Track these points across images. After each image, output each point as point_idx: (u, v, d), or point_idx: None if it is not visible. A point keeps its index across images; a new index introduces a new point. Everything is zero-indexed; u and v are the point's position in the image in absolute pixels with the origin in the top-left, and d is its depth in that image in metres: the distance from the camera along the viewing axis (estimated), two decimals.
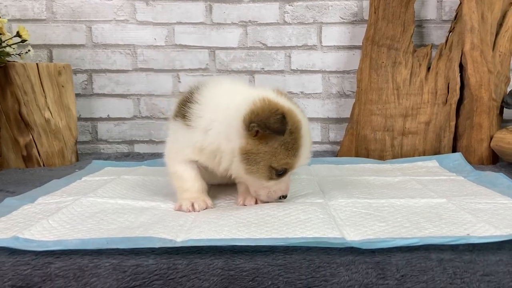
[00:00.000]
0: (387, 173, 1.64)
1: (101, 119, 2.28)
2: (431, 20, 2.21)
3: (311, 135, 1.17)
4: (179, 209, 1.19)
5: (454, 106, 1.88)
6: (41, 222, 1.05)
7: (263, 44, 2.25)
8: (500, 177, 1.44)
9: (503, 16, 1.96)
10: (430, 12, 2.20)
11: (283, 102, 1.15)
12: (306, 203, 1.21)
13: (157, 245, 0.90)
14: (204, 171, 1.26)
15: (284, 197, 1.20)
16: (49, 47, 2.23)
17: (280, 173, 1.13)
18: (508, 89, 1.94)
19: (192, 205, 1.18)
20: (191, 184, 1.24)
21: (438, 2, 2.20)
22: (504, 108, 1.89)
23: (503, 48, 1.93)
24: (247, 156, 1.10)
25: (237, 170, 1.14)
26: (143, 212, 1.15)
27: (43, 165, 1.91)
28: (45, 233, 0.98)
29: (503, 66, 1.93)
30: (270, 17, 2.24)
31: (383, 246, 0.89)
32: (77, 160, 2.04)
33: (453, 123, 1.88)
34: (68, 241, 0.92)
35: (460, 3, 2.01)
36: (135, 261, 0.89)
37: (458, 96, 1.86)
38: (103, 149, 2.29)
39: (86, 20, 2.24)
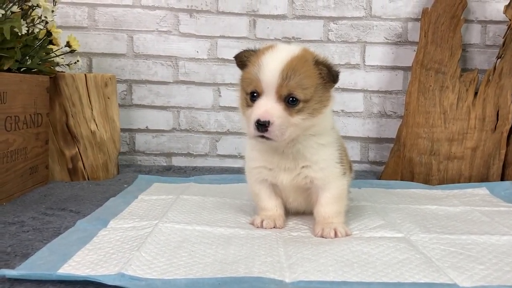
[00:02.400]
0: (444, 201, 1.64)
1: (139, 130, 2.25)
2: (475, 45, 2.21)
3: (284, 57, 1.16)
4: (252, 223, 1.31)
5: (505, 135, 1.88)
6: (134, 255, 1.02)
7: None
8: None
9: None
10: (474, 36, 2.21)
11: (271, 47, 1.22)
12: (388, 238, 1.20)
13: (272, 287, 0.88)
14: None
15: (261, 124, 1.12)
16: (89, 55, 2.19)
17: (253, 98, 1.17)
18: None
19: (261, 222, 1.29)
20: (265, 203, 1.33)
21: (482, 27, 2.21)
22: None
23: None
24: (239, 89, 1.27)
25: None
26: (229, 243, 1.14)
27: (88, 179, 1.87)
28: (146, 269, 0.96)
29: None
30: (314, 34, 2.23)
31: None
32: (118, 172, 2.01)
33: (503, 151, 1.89)
34: (177, 281, 0.90)
35: (509, 29, 2.01)
36: None
37: (510, 125, 1.87)
38: (140, 160, 2.26)
39: (128, 30, 2.20)
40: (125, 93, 2.22)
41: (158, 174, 2.01)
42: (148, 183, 1.80)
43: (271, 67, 1.14)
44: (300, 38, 2.22)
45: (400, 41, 2.23)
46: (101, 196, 1.60)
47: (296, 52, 1.19)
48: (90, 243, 1.11)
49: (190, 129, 2.26)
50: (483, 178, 1.93)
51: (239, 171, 2.15)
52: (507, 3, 2.00)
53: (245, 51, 1.26)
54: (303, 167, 1.25)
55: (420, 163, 2.00)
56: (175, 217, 1.33)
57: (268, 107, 1.14)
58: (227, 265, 0.99)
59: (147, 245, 1.09)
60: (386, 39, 2.23)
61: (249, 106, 1.19)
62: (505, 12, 1.95)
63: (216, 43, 2.22)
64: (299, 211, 1.39)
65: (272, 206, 1.32)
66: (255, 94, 1.17)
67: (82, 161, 1.86)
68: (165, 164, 2.26)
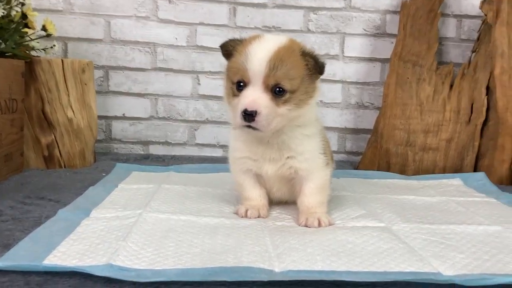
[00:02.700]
0: (420, 192, 1.68)
1: (116, 117, 2.21)
2: (450, 39, 2.26)
3: (271, 48, 1.15)
4: (236, 213, 1.31)
5: (479, 127, 1.94)
6: (121, 245, 1.00)
7: None
8: None
9: None
10: (450, 30, 2.25)
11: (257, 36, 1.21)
12: (371, 228, 1.22)
13: (262, 277, 0.89)
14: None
15: (248, 114, 1.11)
16: (64, 40, 2.13)
17: (239, 87, 1.16)
18: None
19: (246, 212, 1.29)
20: (249, 193, 1.33)
21: (457, 21, 2.25)
22: None
23: None
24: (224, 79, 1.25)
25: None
26: (215, 232, 1.14)
27: (64, 166, 1.83)
28: (134, 259, 0.95)
29: None
30: (294, 24, 2.23)
31: (483, 283, 0.91)
32: (95, 160, 1.97)
33: (477, 143, 1.94)
34: (168, 271, 0.89)
35: (484, 24, 2.06)
36: None
37: (484, 118, 1.93)
38: (117, 148, 2.22)
39: (105, 14, 2.15)
40: (101, 79, 2.17)
41: (136, 163, 1.99)
42: (127, 172, 1.77)
43: (258, 57, 1.14)
44: (280, 28, 2.22)
45: (379, 33, 2.25)
46: (80, 185, 1.57)
47: (283, 43, 1.19)
48: (74, 233, 1.09)
49: (168, 117, 2.23)
50: (457, 169, 1.99)
51: (218, 160, 2.16)
52: None
53: (231, 40, 1.25)
54: (288, 157, 1.26)
55: (396, 154, 2.04)
56: (158, 206, 1.32)
57: (255, 96, 1.13)
58: (216, 255, 0.99)
59: (133, 235, 1.08)
60: (365, 30, 2.25)
61: (235, 95, 1.18)
62: (481, 7, 2.00)
63: (196, 30, 2.20)
64: (282, 200, 1.40)
65: (256, 196, 1.33)
66: (241, 84, 1.17)
67: (59, 148, 1.81)
68: (142, 152, 2.23)
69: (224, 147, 2.26)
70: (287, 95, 1.15)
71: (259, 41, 1.19)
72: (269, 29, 2.21)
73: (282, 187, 1.33)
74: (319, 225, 1.23)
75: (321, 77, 1.26)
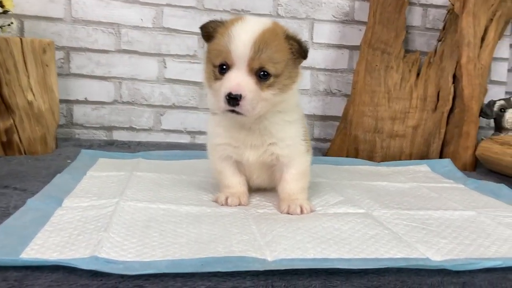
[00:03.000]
0: (391, 178, 1.70)
1: (77, 101, 2.10)
2: (416, 27, 2.30)
3: (255, 30, 1.11)
4: (215, 200, 1.28)
5: (445, 115, 1.99)
6: (103, 236, 0.95)
7: None
8: (503, 188, 1.56)
9: (485, 31, 2.09)
10: (415, 19, 2.29)
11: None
12: (353, 214, 1.23)
13: (256, 266, 0.86)
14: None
15: (233, 98, 1.08)
16: (20, 17, 1.99)
17: (222, 70, 1.12)
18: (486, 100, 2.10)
19: (226, 199, 1.25)
20: (229, 180, 1.29)
21: (423, 10, 2.29)
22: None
23: (484, 61, 2.07)
24: (203, 67, 1.21)
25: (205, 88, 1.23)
26: (199, 221, 1.10)
27: (25, 153, 1.72)
28: (119, 251, 0.90)
29: (483, 78, 2.07)
30: (263, 8, 2.19)
31: (471, 268, 0.93)
32: (57, 146, 1.87)
33: (443, 130, 1.99)
34: (157, 263, 0.85)
35: (449, 14, 2.11)
36: (232, 283, 0.84)
37: (450, 105, 1.97)
38: (79, 134, 2.12)
39: None
40: (62, 61, 2.05)
41: (101, 149, 1.90)
42: (93, 159, 1.69)
43: (243, 38, 1.10)
44: (249, 11, 2.17)
45: (347, 20, 2.25)
46: (45, 172, 1.48)
47: (267, 25, 1.15)
48: (49, 224, 1.02)
49: (132, 101, 2.15)
50: (423, 155, 2.04)
51: (186, 147, 2.10)
52: None
53: (212, 21, 1.19)
54: (269, 144, 1.23)
55: (364, 141, 2.06)
56: (134, 195, 1.26)
57: (240, 80, 1.09)
58: (204, 244, 0.96)
59: (113, 225, 1.02)
60: (334, 17, 2.24)
61: (217, 79, 1.14)
62: None
63: (162, 11, 2.11)
64: (262, 187, 1.38)
65: (236, 183, 1.29)
66: (224, 67, 1.12)
67: (18, 133, 1.70)
68: (105, 138, 2.14)
69: (191, 133, 2.21)
70: (271, 79, 1.12)
71: (242, 23, 1.14)
72: (238, 12, 2.16)
73: (262, 174, 1.31)
74: (301, 212, 1.21)
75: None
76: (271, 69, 1.11)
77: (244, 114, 1.11)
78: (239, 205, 1.26)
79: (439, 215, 1.27)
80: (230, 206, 1.24)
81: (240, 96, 1.08)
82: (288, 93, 1.18)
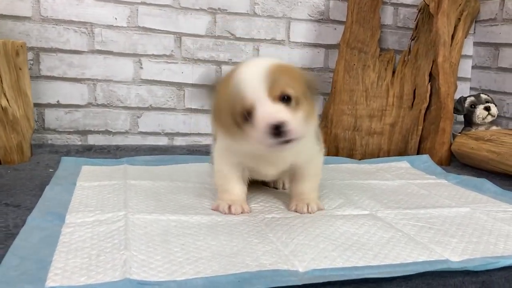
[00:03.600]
0: (379, 176, 1.74)
1: (49, 105, 1.99)
2: (387, 26, 2.35)
3: (260, 72, 1.05)
4: (216, 209, 1.23)
5: (423, 112, 2.05)
6: (127, 255, 0.91)
7: (232, 35, 2.17)
8: (485, 183, 1.63)
9: (454, 30, 2.18)
10: (387, 18, 2.34)
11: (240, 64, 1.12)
12: (359, 216, 1.24)
13: (292, 280, 0.86)
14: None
15: (277, 128, 1.00)
16: None
17: (245, 118, 1.03)
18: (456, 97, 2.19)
19: (229, 207, 1.21)
20: (232, 186, 1.25)
21: (394, 9, 2.35)
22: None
23: (454, 59, 2.16)
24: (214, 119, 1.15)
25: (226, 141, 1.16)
26: (214, 232, 1.08)
27: (0, 163, 1.61)
28: (148, 271, 0.86)
29: (454, 76, 2.15)
30: (240, 7, 2.16)
31: (491, 267, 0.97)
32: (32, 154, 1.76)
33: (420, 127, 2.06)
34: (193, 282, 0.83)
35: (420, 13, 2.18)
36: None
37: (427, 103, 2.04)
38: (51, 139, 2.01)
39: None
40: (31, 62, 1.94)
41: (79, 155, 1.82)
42: (76, 166, 1.61)
43: (253, 78, 1.04)
44: (226, 10, 2.14)
45: (323, 19, 2.27)
46: (30, 184, 1.39)
47: (270, 61, 1.10)
48: (61, 245, 0.96)
49: (108, 104, 2.07)
50: (401, 152, 2.09)
51: (165, 149, 2.05)
52: None
53: (210, 85, 1.14)
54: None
55: (344, 139, 2.10)
56: (138, 206, 1.22)
57: (272, 109, 1.01)
58: (231, 258, 0.93)
59: (131, 242, 0.98)
60: (310, 16, 2.26)
61: (241, 127, 1.05)
62: None
63: (137, 10, 2.04)
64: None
65: (238, 191, 1.26)
66: (247, 113, 1.03)
67: None
68: (80, 143, 2.05)
69: (169, 135, 2.16)
70: (293, 103, 1.06)
71: (244, 66, 1.09)
72: (215, 11, 2.12)
73: (274, 176, 1.33)
74: (308, 211, 1.24)
75: None
76: (290, 91, 1.05)
77: (296, 139, 1.04)
78: (241, 213, 1.22)
79: (438, 213, 1.31)
80: (233, 215, 1.21)
81: (284, 122, 1.01)
82: (311, 123, 1.15)
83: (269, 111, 1.01)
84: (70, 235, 1.01)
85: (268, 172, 1.23)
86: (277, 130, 1.00)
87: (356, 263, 0.95)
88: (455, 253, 1.03)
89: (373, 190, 1.52)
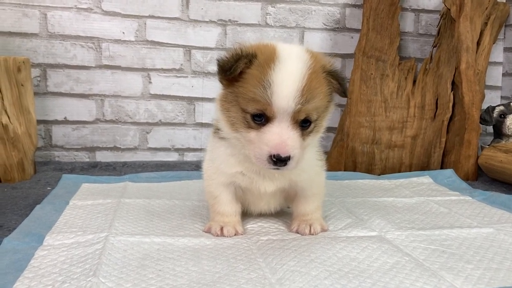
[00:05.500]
0: (396, 192, 1.61)
1: (56, 122, 1.96)
2: (408, 33, 2.23)
3: (299, 75, 0.95)
4: (208, 231, 1.15)
5: (446, 123, 1.91)
6: (93, 283, 0.83)
7: None
8: None
9: (480, 35, 2.04)
10: (408, 25, 2.22)
11: (272, 45, 1.00)
12: (366, 238, 1.13)
13: None
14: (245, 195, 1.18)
15: (281, 160, 0.95)
16: None
17: (258, 119, 0.97)
18: (484, 106, 2.03)
19: (221, 229, 1.13)
20: (224, 207, 1.16)
21: (415, 15, 2.22)
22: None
23: (481, 66, 2.01)
24: (222, 105, 1.02)
25: (224, 129, 1.05)
26: (198, 256, 0.99)
27: (0, 181, 1.58)
28: None
29: (480, 84, 2.00)
30: (251, 17, 2.09)
31: None
32: (35, 172, 1.73)
33: (444, 139, 1.91)
34: None
35: (443, 19, 2.05)
36: None
37: (450, 113, 1.90)
38: (59, 156, 1.98)
39: (41, 6, 1.90)
40: (38, 79, 1.92)
41: (84, 172, 1.77)
42: (76, 184, 1.56)
43: (285, 90, 0.94)
44: (237, 21, 2.08)
45: (338, 28, 2.17)
46: (23, 203, 1.35)
47: (308, 63, 0.97)
48: (28, 269, 0.89)
49: (116, 119, 2.02)
50: (423, 166, 1.95)
51: (175, 165, 1.98)
52: None
53: (236, 58, 0.97)
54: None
55: (362, 153, 1.97)
56: (124, 227, 1.14)
57: (285, 137, 0.95)
58: (208, 287, 0.84)
59: (103, 267, 0.90)
60: (325, 25, 2.16)
61: (250, 127, 0.98)
62: (444, 1, 1.97)
63: (145, 23, 2.00)
64: (266, 214, 1.26)
65: (231, 212, 1.16)
66: (261, 116, 0.96)
67: None
68: (88, 160, 2.01)
69: (179, 150, 2.09)
70: (312, 126, 1.00)
71: (280, 64, 0.95)
72: (225, 22, 2.06)
73: (273, 200, 1.19)
74: (310, 232, 1.14)
75: None
76: (314, 116, 0.98)
77: (288, 171, 1.01)
78: (235, 235, 1.13)
79: (456, 234, 1.18)
80: (225, 237, 1.11)
81: (289, 157, 0.95)
82: (321, 132, 1.07)
83: (281, 138, 0.95)
84: (42, 258, 0.94)
85: (266, 188, 1.12)
86: (279, 162, 0.95)
87: None
88: (468, 282, 0.90)
89: (386, 209, 1.40)
